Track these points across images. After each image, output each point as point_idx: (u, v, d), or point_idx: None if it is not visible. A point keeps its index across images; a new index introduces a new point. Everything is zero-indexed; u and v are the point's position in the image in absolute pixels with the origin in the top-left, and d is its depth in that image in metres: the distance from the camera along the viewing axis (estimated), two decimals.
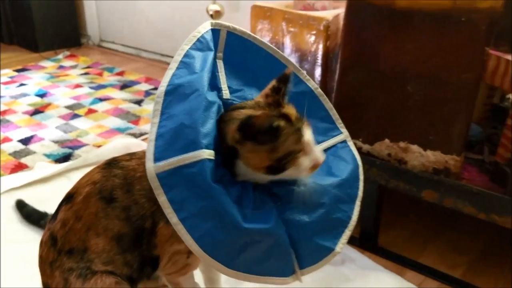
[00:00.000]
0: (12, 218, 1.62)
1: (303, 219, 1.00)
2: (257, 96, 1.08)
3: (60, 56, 3.53)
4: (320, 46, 1.53)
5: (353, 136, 1.24)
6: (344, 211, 1.07)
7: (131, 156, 1.10)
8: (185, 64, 1.01)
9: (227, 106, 1.04)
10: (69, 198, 1.09)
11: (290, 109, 0.99)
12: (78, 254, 1.04)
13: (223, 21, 1.08)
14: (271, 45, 1.15)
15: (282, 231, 0.99)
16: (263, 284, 1.01)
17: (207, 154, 0.92)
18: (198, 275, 1.21)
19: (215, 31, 1.07)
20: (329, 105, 1.19)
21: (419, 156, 1.35)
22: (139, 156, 1.09)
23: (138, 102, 2.69)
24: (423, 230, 1.66)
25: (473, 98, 1.25)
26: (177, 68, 1.00)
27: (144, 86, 2.93)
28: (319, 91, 1.18)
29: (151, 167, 0.92)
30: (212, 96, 0.99)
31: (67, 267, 1.05)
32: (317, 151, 0.98)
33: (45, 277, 1.10)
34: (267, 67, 1.13)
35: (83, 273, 1.04)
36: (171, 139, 0.93)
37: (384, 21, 1.32)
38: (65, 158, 2.06)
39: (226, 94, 1.06)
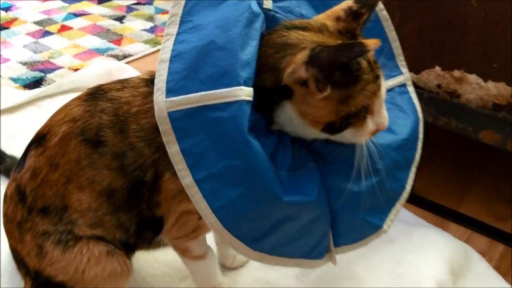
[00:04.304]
0: None
1: (351, 188, 0.81)
2: (308, 12, 0.86)
3: None
4: None
5: None
6: (399, 179, 0.90)
7: (123, 84, 0.88)
8: None
9: (269, 21, 0.82)
10: (40, 139, 0.88)
11: None
12: (56, 214, 0.87)
13: None
14: None
15: (325, 203, 0.81)
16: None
17: (246, 93, 0.71)
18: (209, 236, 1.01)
19: None
20: (392, 35, 0.96)
21: (477, 88, 1.17)
22: (134, 84, 0.88)
23: (120, 19, 2.51)
24: (458, 174, 1.48)
25: None
26: None
27: (125, 1, 2.73)
28: (384, 13, 0.94)
29: (162, 101, 0.71)
30: (255, 5, 0.77)
31: (41, 230, 0.87)
32: (385, 112, 0.78)
33: (13, 240, 0.93)
34: None
35: (63, 239, 0.87)
36: (195, 63, 0.73)
37: None
38: (35, 83, 1.90)
39: (267, 3, 0.83)
